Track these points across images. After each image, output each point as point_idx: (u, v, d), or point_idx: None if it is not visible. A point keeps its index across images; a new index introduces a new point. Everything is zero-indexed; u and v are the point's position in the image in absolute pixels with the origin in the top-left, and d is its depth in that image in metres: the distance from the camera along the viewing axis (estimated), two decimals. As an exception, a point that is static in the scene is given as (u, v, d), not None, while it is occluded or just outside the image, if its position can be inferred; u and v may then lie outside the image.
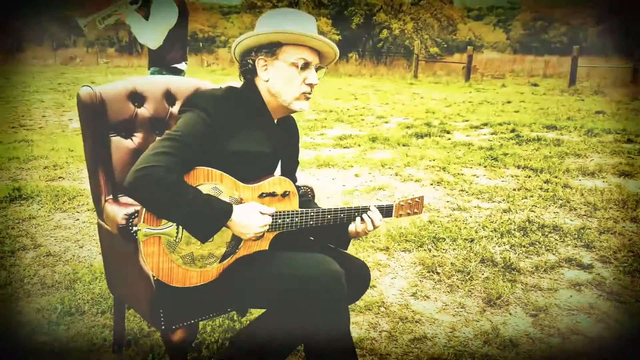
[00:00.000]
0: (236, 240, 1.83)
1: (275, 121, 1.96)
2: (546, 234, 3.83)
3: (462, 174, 5.49)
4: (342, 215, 2.00)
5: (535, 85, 18.35)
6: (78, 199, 4.42)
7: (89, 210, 4.16)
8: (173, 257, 1.75)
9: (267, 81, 1.87)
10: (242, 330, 2.00)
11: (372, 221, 2.02)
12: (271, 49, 1.84)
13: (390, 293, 3.00)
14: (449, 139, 7.67)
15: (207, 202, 1.68)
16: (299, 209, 1.92)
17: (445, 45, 25.06)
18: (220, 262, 1.82)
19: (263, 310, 1.98)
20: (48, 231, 3.76)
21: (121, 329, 2.38)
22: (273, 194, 1.87)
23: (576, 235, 3.80)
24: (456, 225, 3.96)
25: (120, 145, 2.16)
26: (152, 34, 4.13)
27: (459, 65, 22.78)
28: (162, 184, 1.61)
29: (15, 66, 20.57)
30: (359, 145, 7.13)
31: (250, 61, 1.88)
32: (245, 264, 1.83)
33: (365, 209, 2.04)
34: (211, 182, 1.76)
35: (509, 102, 12.64)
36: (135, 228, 1.77)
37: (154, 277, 1.85)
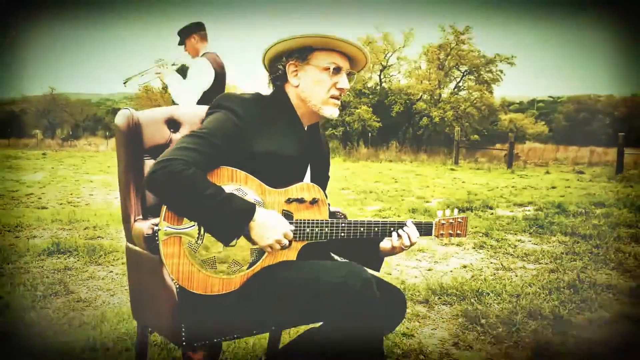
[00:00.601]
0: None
1: (305, 128, 1.93)
2: (599, 292, 3.58)
3: (506, 239, 5.28)
4: (376, 228, 1.90)
5: (581, 172, 18.00)
6: (114, 254, 4.42)
7: (123, 263, 4.13)
8: (194, 260, 1.67)
9: (297, 86, 1.85)
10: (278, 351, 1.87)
11: (408, 236, 1.91)
12: (302, 53, 1.83)
13: (430, 342, 2.81)
14: (492, 213, 7.47)
15: (228, 200, 1.61)
16: (329, 219, 1.84)
17: (486, 133, 25.16)
18: (244, 270, 1.73)
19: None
20: (81, 281, 3.73)
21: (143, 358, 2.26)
22: (301, 200, 1.79)
23: (631, 294, 3.53)
24: (501, 282, 3.75)
25: None
26: (187, 94, 4.27)
27: (500, 153, 22.71)
28: (179, 176, 1.56)
29: (69, 152, 21.53)
30: (398, 216, 7.01)
31: (281, 67, 1.87)
32: (270, 273, 1.73)
33: (402, 224, 1.94)
34: (236, 183, 1.71)
35: (553, 187, 12.36)
36: (156, 228, 1.71)
37: (176, 287, 1.77)
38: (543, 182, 13.79)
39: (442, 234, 2.01)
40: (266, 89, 1.96)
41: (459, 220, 2.03)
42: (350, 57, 1.86)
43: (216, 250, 1.68)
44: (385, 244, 1.95)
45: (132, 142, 2.10)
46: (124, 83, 4.25)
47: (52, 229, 5.46)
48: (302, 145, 1.87)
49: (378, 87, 25.74)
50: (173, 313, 1.78)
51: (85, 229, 5.49)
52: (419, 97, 24.67)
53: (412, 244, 1.92)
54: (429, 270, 4.19)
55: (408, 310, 3.21)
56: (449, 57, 24.65)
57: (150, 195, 2.10)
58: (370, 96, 25.22)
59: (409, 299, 3.40)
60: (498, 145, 23.99)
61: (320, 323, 1.77)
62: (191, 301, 1.74)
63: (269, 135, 1.79)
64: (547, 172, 17.86)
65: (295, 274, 1.70)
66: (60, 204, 7.81)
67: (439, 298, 3.43)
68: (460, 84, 25.57)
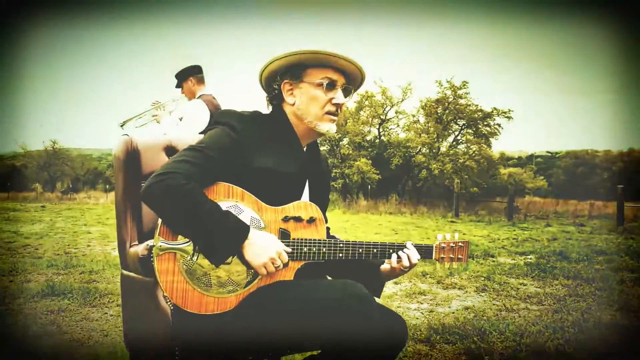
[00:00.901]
0: (258, 267, 1.71)
1: (304, 147, 1.93)
2: (604, 330, 3.50)
3: (508, 282, 5.20)
4: (375, 250, 1.87)
5: (582, 225, 17.91)
6: (109, 296, 4.35)
7: (118, 305, 4.05)
8: (188, 278, 1.64)
9: (293, 105, 1.87)
10: None
11: (408, 257, 1.88)
12: (295, 72, 1.85)
13: (432, 379, 2.72)
14: (494, 260, 7.40)
15: (225, 217, 1.60)
16: (327, 239, 1.81)
17: (485, 186, 25.21)
18: (240, 289, 1.69)
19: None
20: (75, 322, 3.66)
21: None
22: (298, 219, 1.78)
23: (638, 333, 3.46)
24: (504, 322, 3.67)
25: None
26: (182, 136, 4.31)
27: (500, 205, 22.69)
28: (178, 190, 1.56)
29: (68, 205, 21.49)
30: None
31: (276, 87, 1.90)
32: (267, 293, 1.70)
33: (402, 246, 1.91)
34: (232, 199, 1.70)
35: (555, 239, 12.28)
36: (151, 244, 1.69)
37: (171, 308, 1.73)
38: (544, 234, 13.69)
39: (442, 258, 1.98)
40: (265, 108, 1.98)
41: (460, 244, 2.00)
42: (345, 72, 1.87)
43: (211, 268, 1.66)
44: (385, 266, 1.92)
45: (130, 168, 2.10)
46: (121, 126, 4.31)
47: (48, 274, 5.39)
48: (300, 163, 1.87)
49: (377, 140, 25.99)
50: (166, 335, 1.74)
51: (81, 273, 5.42)
52: (417, 150, 24.87)
53: (412, 266, 1.89)
54: (431, 312, 4.11)
55: (409, 349, 3.13)
56: (447, 111, 24.99)
57: (147, 221, 2.09)
58: (370, 149, 25.43)
59: (410, 338, 3.32)
60: (498, 198, 23.98)
61: (319, 351, 1.73)
62: (185, 323, 1.70)
63: (266, 152, 1.79)
64: (548, 225, 17.77)
65: (292, 293, 1.67)
66: (57, 254, 7.75)
67: (441, 337, 3.35)
68: (459, 137, 25.82)
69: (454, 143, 25.84)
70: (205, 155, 1.67)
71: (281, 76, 1.88)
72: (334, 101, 1.84)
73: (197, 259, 1.64)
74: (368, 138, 25.87)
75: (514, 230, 15.30)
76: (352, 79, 1.91)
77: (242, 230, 1.62)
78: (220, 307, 1.68)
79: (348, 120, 25.03)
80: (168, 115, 4.43)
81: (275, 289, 1.70)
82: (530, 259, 7.56)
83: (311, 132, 1.88)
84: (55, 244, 9.23)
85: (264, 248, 1.63)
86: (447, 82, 24.91)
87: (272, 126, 1.87)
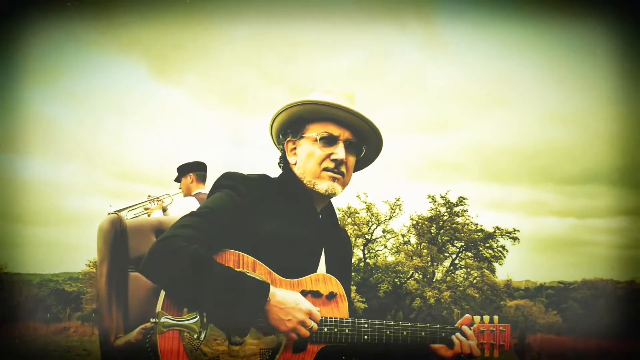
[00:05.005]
0: (274, 350, 1.74)
1: (319, 210, 2.03)
2: None
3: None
4: (405, 332, 1.89)
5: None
6: None
7: None
8: (195, 360, 1.67)
9: (295, 164, 1.99)
10: None
11: (460, 343, 1.93)
12: (296, 128, 1.98)
13: None
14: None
15: (239, 277, 1.65)
16: (351, 318, 1.86)
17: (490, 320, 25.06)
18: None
19: None
20: None
21: None
22: (316, 294, 1.82)
23: None
24: None
25: (139, 282, 2.18)
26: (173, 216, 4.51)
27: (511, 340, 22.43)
28: (180, 252, 1.62)
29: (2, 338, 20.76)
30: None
31: (281, 147, 2.04)
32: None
33: (454, 330, 1.97)
34: (242, 269, 1.74)
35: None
36: (152, 320, 1.71)
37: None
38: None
39: (482, 344, 2.02)
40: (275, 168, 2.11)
41: (502, 329, 2.05)
42: (350, 125, 1.95)
43: (221, 349, 1.68)
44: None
45: (116, 252, 2.16)
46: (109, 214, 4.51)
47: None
48: (315, 229, 1.95)
49: (362, 264, 26.03)
50: None
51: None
52: (409, 275, 24.90)
53: (469, 355, 1.93)
54: None
55: None
56: (442, 231, 25.34)
57: (134, 310, 2.11)
58: (354, 273, 25.42)
59: None
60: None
61: None
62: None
63: (277, 217, 1.88)
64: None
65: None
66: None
67: None
68: (457, 262, 26.00)
69: (452, 268, 25.97)
70: (208, 220, 1.75)
71: (284, 135, 2.02)
72: (333, 157, 1.92)
73: (204, 337, 1.67)
74: (352, 261, 25.95)
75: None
76: (361, 134, 1.98)
77: (261, 290, 1.65)
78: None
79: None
80: (160, 211, 4.70)
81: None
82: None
83: (314, 193, 1.96)
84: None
85: (291, 309, 1.66)
86: (442, 197, 25.46)
87: (281, 189, 1.97)
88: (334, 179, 1.93)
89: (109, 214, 4.53)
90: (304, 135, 1.96)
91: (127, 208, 4.85)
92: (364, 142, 2.01)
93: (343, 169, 1.95)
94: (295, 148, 1.99)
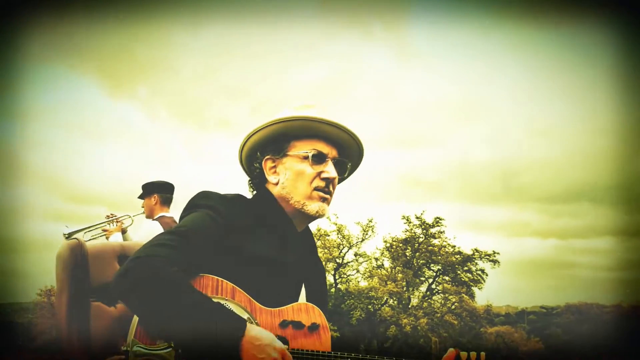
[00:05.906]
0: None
1: (299, 231, 1.95)
2: None
3: None
4: None
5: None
6: None
7: None
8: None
9: (277, 184, 1.91)
10: None
11: None
12: (278, 145, 1.91)
13: None
14: None
15: (217, 310, 1.59)
16: (334, 352, 1.78)
17: (470, 346, 25.14)
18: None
19: None
20: None
21: None
22: (298, 325, 1.77)
23: None
24: None
25: (102, 311, 2.12)
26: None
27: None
28: (159, 274, 1.55)
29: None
30: None
31: (257, 165, 1.95)
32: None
33: None
34: (220, 295, 1.70)
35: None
36: (123, 348, 1.65)
37: None
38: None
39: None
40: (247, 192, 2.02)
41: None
42: (337, 143, 1.93)
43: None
44: None
45: (77, 280, 2.07)
46: (66, 237, 4.34)
47: None
48: (296, 252, 1.88)
49: (333, 289, 25.99)
50: None
51: None
52: (383, 301, 24.93)
53: None
54: None
55: None
56: (418, 254, 25.48)
57: (97, 340, 2.03)
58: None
59: None
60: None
61: None
62: None
63: (257, 239, 1.81)
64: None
65: None
66: None
67: None
68: (434, 286, 26.12)
69: (428, 293, 26.07)
70: (188, 240, 1.67)
71: (262, 152, 1.93)
72: (323, 175, 1.88)
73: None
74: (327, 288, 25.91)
75: (511, 401, 15.12)
76: (347, 151, 1.97)
77: (238, 326, 1.59)
78: None
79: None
80: (119, 233, 4.62)
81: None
82: None
83: (302, 215, 1.90)
84: None
85: (265, 346, 1.60)
86: (417, 217, 25.62)
87: (259, 210, 1.89)
88: (323, 200, 1.90)
89: (64, 234, 4.43)
90: (288, 153, 1.90)
91: (85, 229, 4.72)
92: (350, 160, 2.00)
93: (331, 188, 1.92)
94: (275, 167, 1.93)
